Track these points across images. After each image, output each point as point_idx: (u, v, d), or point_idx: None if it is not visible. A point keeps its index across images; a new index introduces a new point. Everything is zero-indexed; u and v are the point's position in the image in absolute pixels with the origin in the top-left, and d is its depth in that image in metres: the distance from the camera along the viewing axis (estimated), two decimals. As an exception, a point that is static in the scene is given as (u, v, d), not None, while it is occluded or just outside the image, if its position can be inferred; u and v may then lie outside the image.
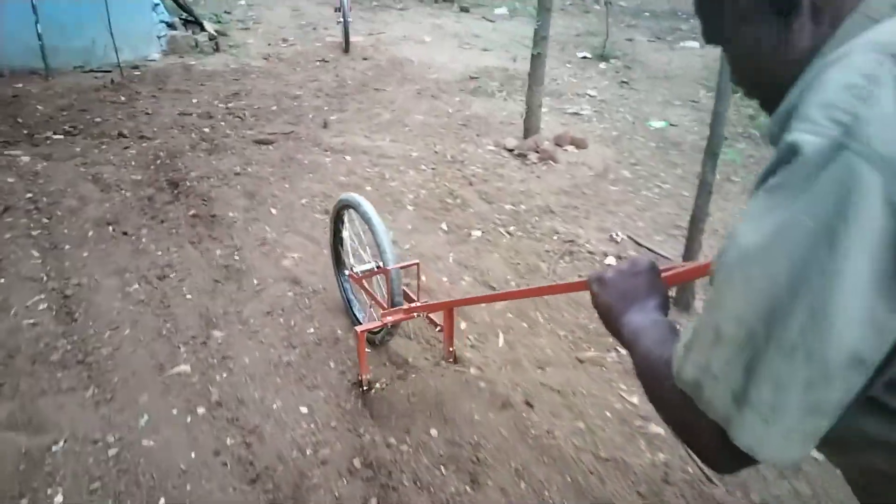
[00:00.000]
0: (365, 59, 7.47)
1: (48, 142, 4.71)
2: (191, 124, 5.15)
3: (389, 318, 2.28)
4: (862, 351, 0.53)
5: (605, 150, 4.91)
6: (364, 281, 2.52)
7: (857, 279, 0.52)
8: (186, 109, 5.52)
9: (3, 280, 2.99)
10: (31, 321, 2.69)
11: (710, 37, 0.78)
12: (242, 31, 8.32)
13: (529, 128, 4.85)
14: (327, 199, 3.91)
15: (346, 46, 7.51)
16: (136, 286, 2.99)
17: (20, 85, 5.93)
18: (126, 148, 4.66)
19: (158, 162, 4.45)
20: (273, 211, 3.82)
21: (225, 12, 9.08)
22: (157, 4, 7.03)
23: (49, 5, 6.14)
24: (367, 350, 2.32)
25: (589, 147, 4.85)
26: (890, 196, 0.51)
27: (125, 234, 3.47)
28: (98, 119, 5.21)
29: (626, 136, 5.30)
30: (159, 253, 3.28)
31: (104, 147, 4.66)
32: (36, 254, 3.23)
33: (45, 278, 3.02)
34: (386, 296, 2.36)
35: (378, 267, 2.43)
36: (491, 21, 10.10)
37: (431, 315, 2.47)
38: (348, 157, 4.67)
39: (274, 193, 4.04)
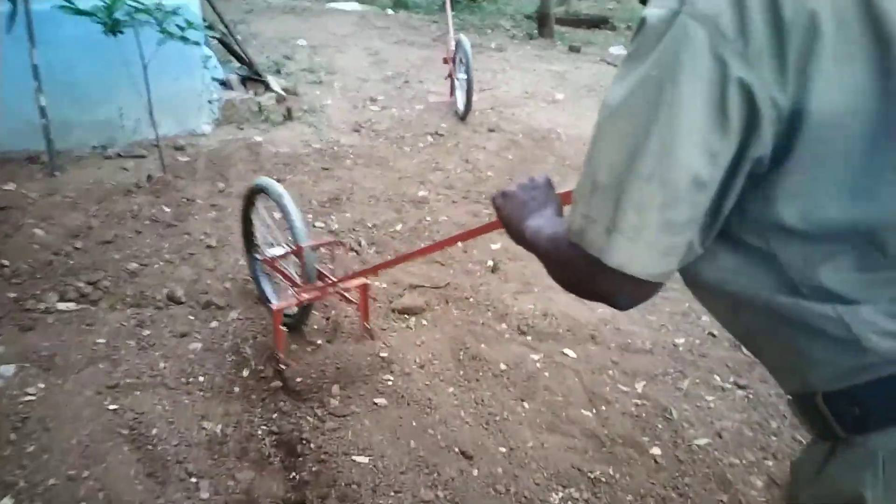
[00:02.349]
0: (491, 130, 5.57)
1: (49, 318, 2.81)
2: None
3: (305, 296, 2.43)
4: (701, 174, 0.68)
5: None
6: (277, 263, 2.61)
7: (693, 114, 0.67)
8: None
9: None
10: None
11: None
12: (315, 87, 6.47)
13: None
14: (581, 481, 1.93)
15: (465, 114, 5.61)
16: None
17: (10, 186, 4.06)
18: (184, 336, 2.74)
19: (247, 374, 2.51)
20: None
21: (285, 58, 7.26)
22: (209, 57, 5.18)
23: (58, 64, 4.29)
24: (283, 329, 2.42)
25: None
26: (713, 46, 0.65)
27: None
28: (133, 259, 3.30)
29: None
30: None
31: (147, 331, 2.76)
32: None
33: None
34: (300, 276, 2.48)
35: (290, 247, 2.52)
36: (612, 65, 8.21)
37: (346, 294, 2.60)
38: (570, 354, 2.70)
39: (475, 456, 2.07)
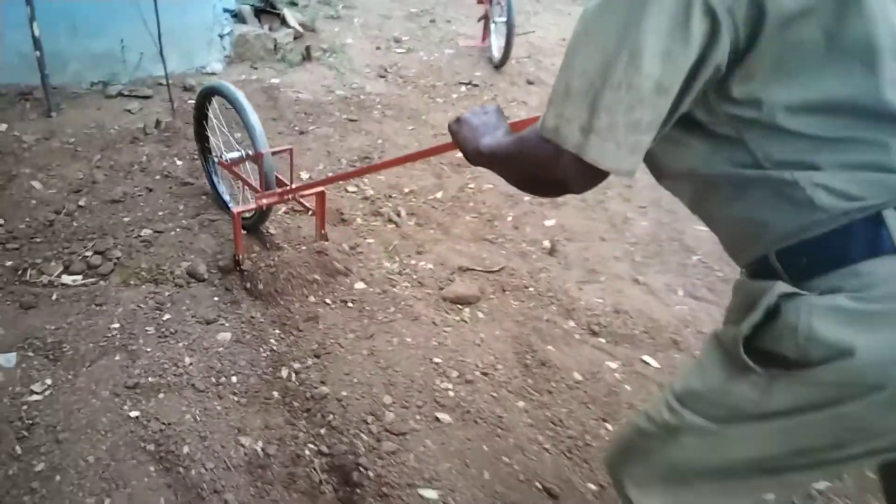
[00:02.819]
0: (530, 82, 5.11)
1: (53, 294, 2.46)
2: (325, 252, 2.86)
3: (264, 201, 2.51)
4: (664, 80, 0.81)
5: None
6: (237, 168, 2.67)
7: (658, 26, 0.78)
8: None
9: None
10: None
11: None
12: (333, 23, 5.93)
13: None
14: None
15: (502, 62, 5.13)
16: None
17: (1, 126, 3.62)
18: (210, 323, 2.40)
19: (286, 374, 2.20)
20: None
21: (298, -14, 6.63)
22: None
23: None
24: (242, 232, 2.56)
25: None
26: None
27: None
28: (145, 224, 2.93)
29: None
30: None
31: (167, 315, 2.42)
32: None
33: None
34: (259, 180, 2.57)
35: (247, 153, 2.58)
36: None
37: (304, 200, 2.72)
38: (652, 363, 2.40)
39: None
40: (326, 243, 2.80)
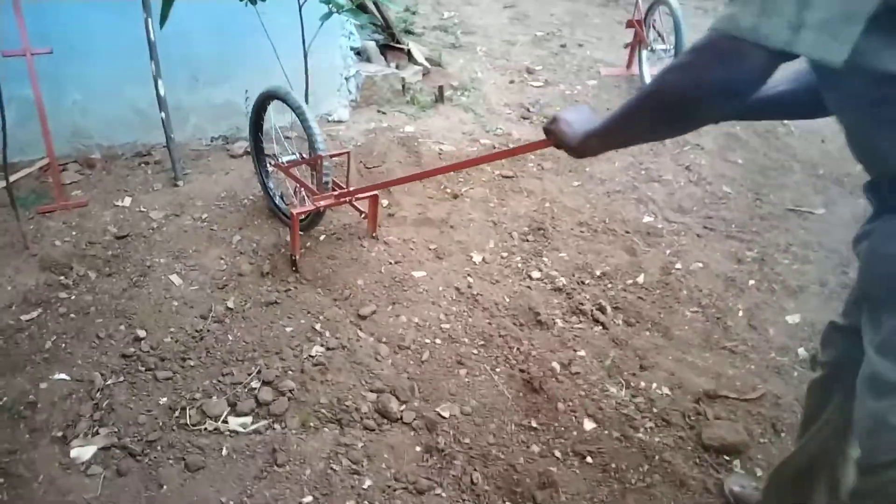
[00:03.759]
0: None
1: (223, 449, 2.00)
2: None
3: (322, 203, 2.62)
4: None
5: None
6: (293, 170, 2.82)
7: None
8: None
9: None
10: None
11: None
12: (457, 54, 5.43)
13: None
14: None
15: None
16: None
17: (126, 201, 3.24)
18: (422, 492, 1.88)
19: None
20: None
21: (407, 10, 6.15)
22: (345, 20, 4.19)
23: (170, 35, 3.39)
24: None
25: None
26: None
27: None
28: (310, 335, 2.44)
29: None
30: None
31: (368, 481, 1.91)
32: None
33: None
34: (317, 182, 2.71)
35: (303, 156, 2.79)
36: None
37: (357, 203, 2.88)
38: None
39: None
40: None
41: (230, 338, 2.42)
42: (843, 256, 3.06)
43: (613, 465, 2.00)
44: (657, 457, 2.03)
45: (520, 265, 2.92)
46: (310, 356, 2.33)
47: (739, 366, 2.43)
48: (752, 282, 2.89)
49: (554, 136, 1.36)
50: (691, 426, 2.16)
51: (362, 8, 4.54)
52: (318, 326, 2.48)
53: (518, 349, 2.43)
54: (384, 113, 4.36)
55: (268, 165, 3.14)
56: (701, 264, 2.98)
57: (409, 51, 4.72)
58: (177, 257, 2.85)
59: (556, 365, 2.36)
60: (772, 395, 2.28)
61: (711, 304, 2.74)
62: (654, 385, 2.32)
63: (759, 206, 3.49)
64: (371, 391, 2.21)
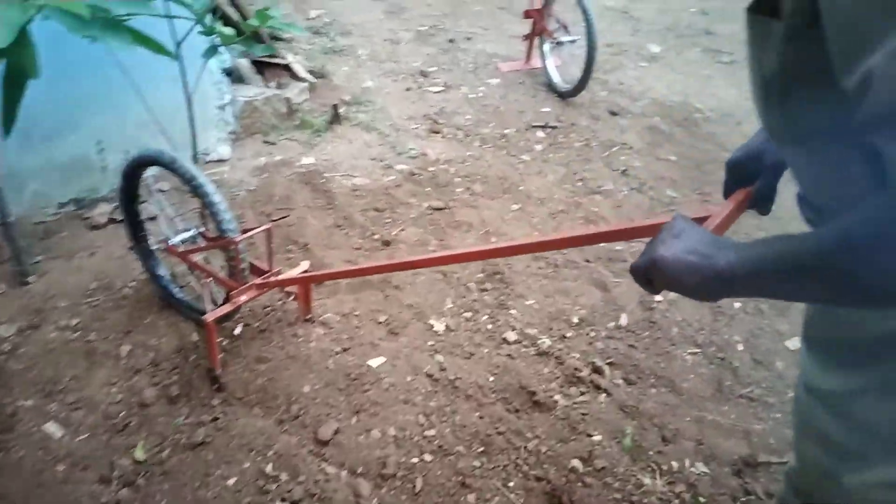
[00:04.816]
0: (614, 113, 4.22)
1: None
2: None
3: (243, 298, 2.11)
4: None
5: None
6: (192, 258, 2.27)
7: None
8: None
9: None
10: None
11: None
12: (338, 60, 4.82)
13: None
14: None
15: (575, 92, 4.21)
16: None
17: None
18: None
19: None
20: None
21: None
22: (216, 42, 3.48)
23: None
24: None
25: None
26: None
27: None
28: None
29: None
30: None
31: None
32: None
33: None
34: (230, 270, 2.17)
35: (205, 235, 2.30)
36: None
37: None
38: None
39: None
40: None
41: (154, 514, 1.79)
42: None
43: None
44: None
45: (489, 327, 2.49)
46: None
47: (764, 416, 2.17)
48: (737, 304, 2.66)
49: (668, 286, 0.87)
50: (746, 512, 1.86)
51: (257, 37, 3.84)
52: (269, 469, 1.91)
53: (525, 448, 2.01)
54: (273, 143, 3.72)
55: (153, 250, 2.50)
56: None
57: (287, 64, 4.07)
58: (48, 394, 2.14)
59: (576, 463, 1.97)
60: (812, 450, 2.03)
61: (708, 341, 2.47)
62: (687, 462, 2.00)
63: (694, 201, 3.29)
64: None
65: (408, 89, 4.45)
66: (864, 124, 0.63)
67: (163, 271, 2.53)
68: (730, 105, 4.38)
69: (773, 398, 2.24)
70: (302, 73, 4.08)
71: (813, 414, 0.99)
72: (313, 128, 3.83)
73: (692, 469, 1.98)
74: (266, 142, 3.73)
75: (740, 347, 2.46)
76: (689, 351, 2.43)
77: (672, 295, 2.63)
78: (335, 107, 3.88)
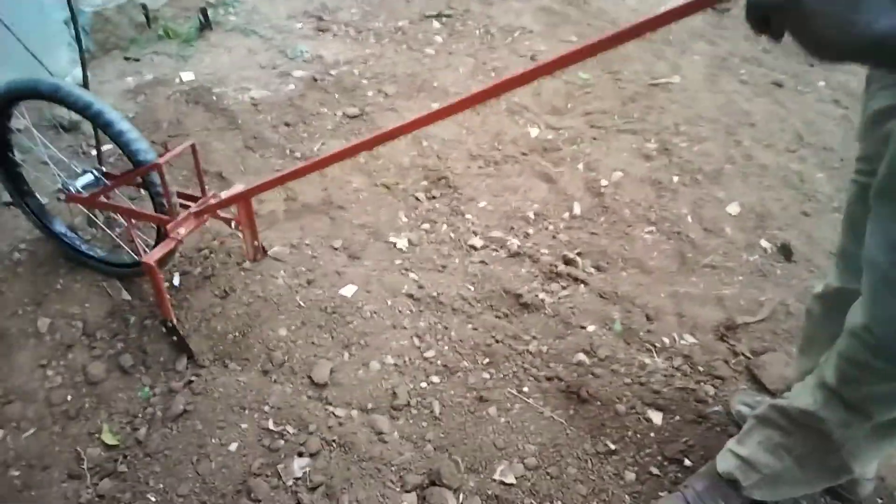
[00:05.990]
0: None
1: None
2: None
3: (182, 231, 1.79)
4: None
5: None
6: (103, 198, 1.91)
7: None
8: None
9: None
10: None
11: None
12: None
13: None
14: None
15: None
16: None
17: None
18: None
19: None
20: None
21: None
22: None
23: None
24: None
25: None
26: None
27: None
28: None
29: None
30: None
31: None
32: None
33: None
34: (163, 202, 1.81)
35: (111, 175, 1.97)
36: None
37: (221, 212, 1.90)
38: None
39: None
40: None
41: (152, 498, 1.58)
42: (725, 124, 3.06)
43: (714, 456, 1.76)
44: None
45: (452, 235, 2.40)
46: (296, 481, 1.62)
47: (729, 281, 2.31)
48: (675, 178, 2.75)
49: (792, 12, 0.71)
50: (741, 371, 1.99)
51: None
52: (270, 425, 1.74)
53: (528, 351, 1.99)
54: (136, 60, 3.20)
55: (44, 203, 2.11)
56: (620, 173, 2.74)
57: (132, -37, 3.44)
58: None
59: (581, 356, 1.98)
60: (778, 305, 2.20)
61: (661, 218, 2.55)
62: (675, 336, 2.09)
63: (622, 87, 3.33)
64: (406, 491, 1.62)
65: (280, -15, 3.98)
66: None
67: (61, 226, 2.14)
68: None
69: (733, 263, 2.38)
70: (152, -29, 3.47)
71: None
72: (181, 38, 3.33)
73: (682, 342, 2.07)
74: (128, 58, 3.20)
75: (690, 220, 2.56)
76: (646, 230, 2.50)
77: (615, 177, 2.67)
78: (202, 10, 3.38)
